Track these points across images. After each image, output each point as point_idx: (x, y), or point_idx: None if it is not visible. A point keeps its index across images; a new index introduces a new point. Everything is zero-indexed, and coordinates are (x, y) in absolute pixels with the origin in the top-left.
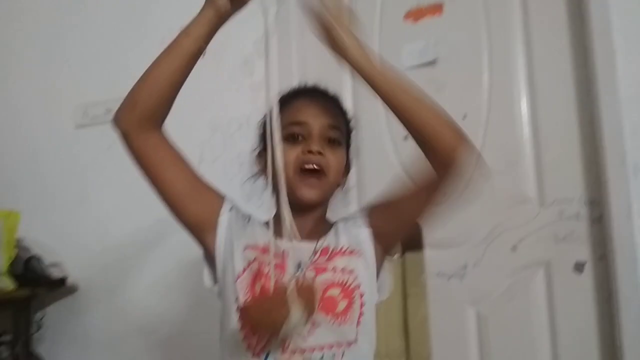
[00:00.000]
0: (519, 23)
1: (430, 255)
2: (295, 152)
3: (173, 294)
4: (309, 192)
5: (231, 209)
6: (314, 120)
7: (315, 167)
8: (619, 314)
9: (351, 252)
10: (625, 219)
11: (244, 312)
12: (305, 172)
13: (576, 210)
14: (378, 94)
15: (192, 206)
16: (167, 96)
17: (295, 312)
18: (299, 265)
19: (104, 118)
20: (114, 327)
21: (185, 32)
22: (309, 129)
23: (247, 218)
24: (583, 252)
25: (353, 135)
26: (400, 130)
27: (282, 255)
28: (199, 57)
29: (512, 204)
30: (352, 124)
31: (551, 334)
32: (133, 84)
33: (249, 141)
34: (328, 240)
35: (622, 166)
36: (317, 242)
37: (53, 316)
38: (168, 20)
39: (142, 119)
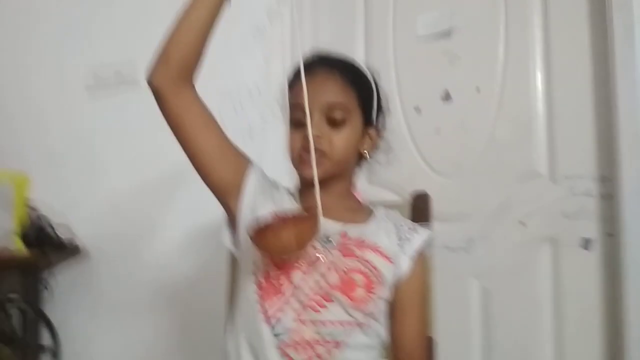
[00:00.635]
0: None
1: (437, 228)
2: (297, 137)
3: (182, 258)
4: (309, 171)
5: (257, 174)
6: (312, 101)
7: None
8: (624, 291)
9: (384, 256)
10: (636, 195)
11: (257, 236)
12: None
13: (587, 186)
14: None
15: (220, 168)
16: (199, 46)
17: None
18: (325, 237)
19: (113, 80)
20: (123, 290)
21: None
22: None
23: (274, 185)
24: (591, 228)
25: (374, 97)
26: (412, 101)
27: None
28: (224, 3)
29: (523, 179)
30: (372, 85)
31: (555, 309)
32: (142, 46)
33: (260, 109)
34: (363, 231)
35: (636, 143)
36: (345, 223)
37: (63, 278)
38: None
39: (176, 73)
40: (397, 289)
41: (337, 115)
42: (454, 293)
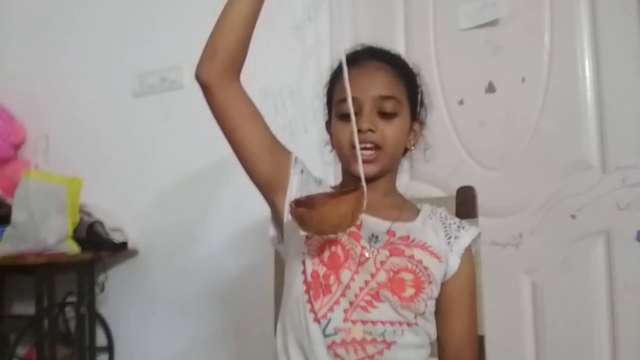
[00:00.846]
0: None
1: (485, 223)
2: (348, 129)
3: (230, 257)
4: (365, 167)
5: (302, 171)
6: (364, 94)
7: (368, 146)
8: None
9: (433, 253)
10: None
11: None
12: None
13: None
14: None
15: (266, 164)
16: (244, 38)
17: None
18: (372, 237)
19: (159, 87)
20: (172, 289)
21: None
22: (358, 105)
23: (318, 182)
24: None
25: (420, 92)
26: (455, 93)
27: (356, 225)
28: None
29: (573, 171)
30: (417, 80)
31: (610, 304)
32: (187, 52)
33: (300, 108)
34: (410, 229)
35: None
36: (393, 222)
37: (115, 279)
38: None
39: (223, 67)
40: (445, 286)
41: (389, 107)
42: (504, 290)
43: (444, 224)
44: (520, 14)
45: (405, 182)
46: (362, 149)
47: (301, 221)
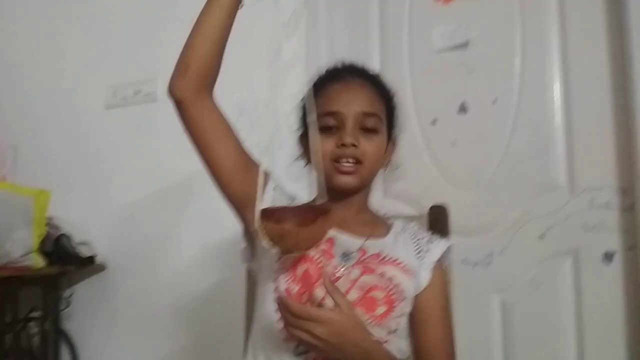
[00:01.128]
0: (553, 5)
1: (456, 242)
2: (330, 143)
3: (199, 273)
4: (345, 178)
5: (275, 187)
6: (347, 109)
7: (350, 160)
8: None
9: (404, 269)
10: None
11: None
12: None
13: (607, 198)
14: None
15: (239, 181)
16: (217, 53)
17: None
18: (344, 254)
19: (133, 99)
20: (141, 305)
21: None
22: (342, 119)
23: (292, 198)
24: (613, 241)
25: (396, 112)
26: (428, 113)
27: (328, 242)
28: (237, 8)
29: (542, 191)
30: (394, 100)
31: (577, 324)
32: (162, 65)
33: (276, 123)
34: (382, 245)
35: None
36: (366, 239)
37: (82, 294)
38: (198, 3)
39: (196, 82)
40: (418, 300)
41: (371, 124)
42: (475, 308)
43: (414, 238)
44: (492, 37)
45: (379, 200)
46: (343, 162)
47: (267, 234)
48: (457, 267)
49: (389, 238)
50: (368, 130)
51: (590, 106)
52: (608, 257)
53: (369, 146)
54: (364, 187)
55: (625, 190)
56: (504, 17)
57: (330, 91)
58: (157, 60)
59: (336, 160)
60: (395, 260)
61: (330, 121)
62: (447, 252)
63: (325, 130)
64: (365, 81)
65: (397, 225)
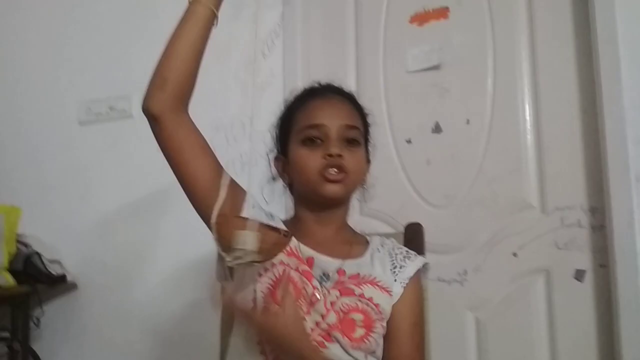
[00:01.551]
0: (524, 29)
1: (430, 260)
2: (316, 156)
3: (173, 294)
4: (333, 187)
5: (253, 206)
6: (331, 121)
7: (337, 171)
8: (618, 323)
9: (382, 287)
10: (627, 227)
11: (217, 219)
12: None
13: (578, 217)
14: None
15: (215, 197)
16: (192, 68)
17: (244, 238)
18: (323, 276)
19: (107, 116)
20: (111, 326)
21: (195, 0)
22: (326, 131)
23: (270, 216)
24: (584, 260)
25: (371, 131)
26: (403, 133)
27: (309, 262)
28: (212, 24)
29: (514, 210)
30: (369, 119)
31: (550, 341)
32: (136, 82)
33: (252, 141)
34: (360, 265)
35: (625, 174)
36: (344, 260)
37: (51, 313)
38: (171, 18)
39: (173, 98)
40: (391, 315)
41: (353, 136)
42: (449, 325)
43: (390, 254)
44: (465, 59)
45: (355, 218)
46: (330, 171)
47: (220, 233)
48: (432, 285)
49: (366, 256)
50: (351, 142)
51: (561, 127)
52: (579, 275)
53: (352, 158)
54: (347, 199)
55: (595, 210)
56: (476, 40)
57: (312, 106)
58: (131, 76)
59: (323, 170)
60: (373, 279)
61: (315, 133)
62: (423, 269)
63: (309, 143)
64: (344, 98)
65: (375, 242)
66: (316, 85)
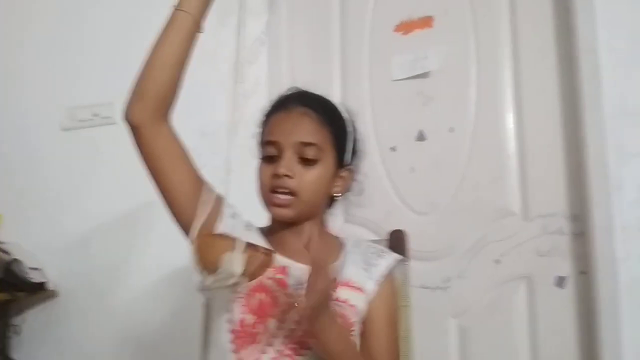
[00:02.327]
0: (507, 39)
1: (414, 267)
2: (268, 173)
3: (154, 301)
4: (280, 211)
5: (232, 215)
6: (286, 139)
7: (285, 191)
8: (599, 329)
9: (356, 288)
10: (607, 234)
11: (197, 239)
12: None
13: (559, 225)
14: None
15: (194, 207)
16: (174, 78)
17: (231, 260)
18: (297, 283)
19: (91, 122)
20: (93, 334)
21: (178, 8)
22: (280, 149)
23: (247, 226)
24: (565, 266)
25: (349, 138)
26: (387, 140)
27: (283, 271)
28: (196, 32)
29: (497, 218)
30: (347, 126)
31: (532, 347)
32: (120, 89)
33: (237, 148)
34: (335, 269)
35: (605, 182)
36: None
37: (32, 321)
38: (157, 25)
39: (153, 108)
40: (367, 311)
41: (310, 154)
42: (432, 332)
43: (364, 254)
44: (449, 68)
45: (340, 225)
46: (278, 193)
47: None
48: (415, 292)
49: (340, 260)
50: (307, 161)
51: (542, 136)
52: (560, 281)
53: (306, 176)
54: (303, 217)
55: (576, 217)
56: (461, 49)
57: (273, 120)
58: (115, 83)
59: (272, 190)
60: (348, 282)
61: (272, 150)
62: (397, 266)
63: (267, 159)
64: (309, 110)
65: (349, 244)
66: (289, 93)
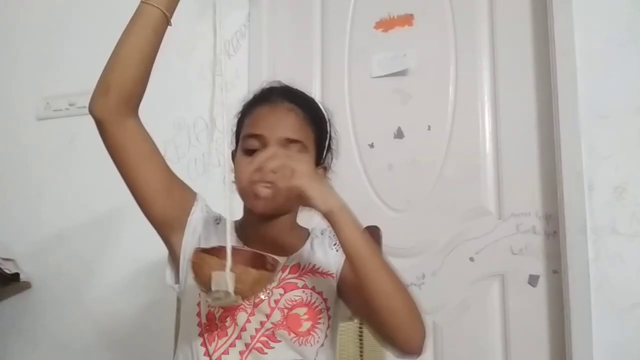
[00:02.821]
0: (485, 39)
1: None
2: (249, 166)
3: (129, 294)
4: (260, 203)
5: (202, 209)
6: (271, 133)
7: (268, 186)
8: (569, 327)
9: (322, 273)
10: (579, 234)
11: (194, 257)
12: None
13: (532, 224)
14: (357, 266)
15: (163, 203)
16: (140, 73)
17: (219, 279)
18: None
19: (66, 112)
20: (67, 326)
21: (145, 1)
22: (264, 142)
23: (218, 220)
24: (537, 265)
25: (328, 137)
26: (366, 137)
27: None
28: (164, 26)
29: (472, 216)
30: (327, 126)
31: (504, 345)
32: (96, 79)
33: (214, 141)
34: (300, 256)
35: (579, 183)
36: (288, 257)
37: (4, 314)
38: (131, 14)
39: (117, 103)
40: (342, 274)
41: (294, 150)
42: None
43: (330, 237)
44: (428, 67)
45: (317, 221)
46: (260, 186)
47: (199, 274)
48: None
49: (306, 246)
50: None
51: (518, 137)
52: (533, 280)
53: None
54: (280, 212)
55: (549, 217)
56: (440, 48)
57: (257, 113)
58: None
59: (254, 183)
60: (313, 267)
61: (254, 144)
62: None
63: (248, 152)
64: (294, 105)
65: (315, 231)
66: (272, 86)
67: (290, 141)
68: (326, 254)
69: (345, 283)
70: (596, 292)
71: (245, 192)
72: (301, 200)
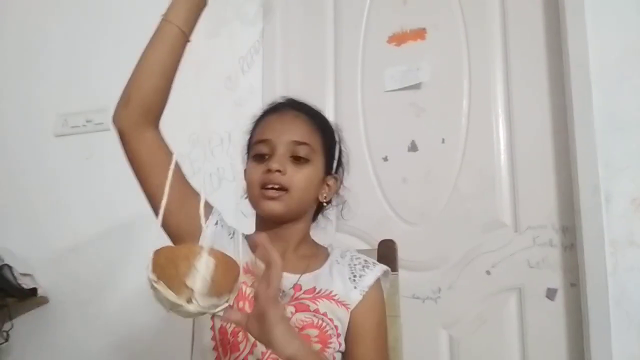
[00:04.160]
0: (499, 52)
1: (405, 277)
2: (259, 170)
3: (146, 308)
4: (270, 204)
5: (217, 222)
6: (278, 137)
7: (275, 187)
8: (588, 341)
9: (338, 302)
10: (597, 246)
11: (156, 254)
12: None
13: (549, 237)
14: None
15: (179, 215)
16: (160, 88)
17: (199, 271)
18: (281, 293)
19: (83, 128)
20: (83, 341)
21: (164, 19)
22: (272, 147)
23: (232, 233)
24: (555, 278)
25: (337, 146)
26: (380, 151)
27: None
28: (184, 43)
29: (487, 229)
30: (335, 136)
31: (522, 359)
32: (113, 95)
33: (230, 156)
34: (317, 278)
35: (595, 195)
36: (301, 275)
37: (22, 327)
38: (149, 33)
39: (137, 115)
40: (351, 321)
41: (302, 153)
42: (423, 343)
43: (350, 265)
44: (441, 80)
45: (331, 234)
46: (269, 188)
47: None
48: (406, 302)
49: (324, 268)
50: (299, 159)
51: (533, 148)
52: (551, 293)
53: (297, 174)
54: (291, 216)
55: (566, 229)
56: (453, 61)
57: (266, 121)
58: (109, 89)
59: (263, 186)
60: (329, 293)
61: (263, 149)
62: (383, 277)
63: (257, 158)
64: (301, 113)
65: (335, 254)
66: (281, 100)
67: (297, 143)
68: (345, 286)
69: (349, 331)
70: (615, 304)
71: (255, 196)
72: (313, 204)
